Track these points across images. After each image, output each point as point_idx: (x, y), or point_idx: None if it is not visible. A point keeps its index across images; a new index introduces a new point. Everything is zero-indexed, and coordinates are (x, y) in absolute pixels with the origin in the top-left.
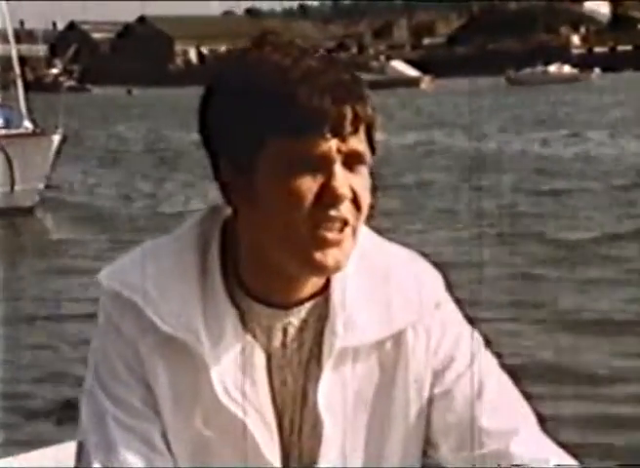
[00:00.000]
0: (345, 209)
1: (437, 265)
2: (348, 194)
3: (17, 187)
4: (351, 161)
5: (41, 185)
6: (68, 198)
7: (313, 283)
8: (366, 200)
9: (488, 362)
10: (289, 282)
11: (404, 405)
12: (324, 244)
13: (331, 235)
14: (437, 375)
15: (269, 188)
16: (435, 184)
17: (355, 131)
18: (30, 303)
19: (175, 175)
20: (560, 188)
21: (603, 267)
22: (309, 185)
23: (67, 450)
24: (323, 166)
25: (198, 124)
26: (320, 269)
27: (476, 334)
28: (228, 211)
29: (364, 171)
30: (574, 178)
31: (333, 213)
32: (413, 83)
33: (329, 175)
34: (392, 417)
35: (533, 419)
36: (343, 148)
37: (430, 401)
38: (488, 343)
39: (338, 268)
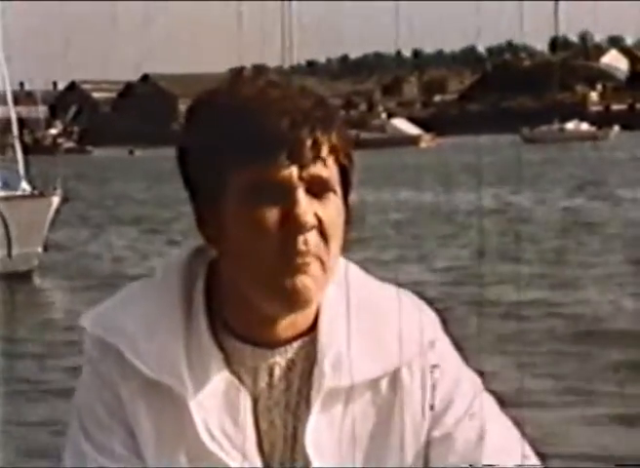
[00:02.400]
0: (313, 241)
1: (431, 304)
2: (313, 221)
3: (14, 251)
4: (316, 188)
5: (39, 249)
6: (66, 262)
7: (298, 321)
8: (335, 228)
9: (488, 404)
10: (270, 320)
11: (400, 448)
12: (293, 274)
13: (298, 264)
14: (436, 418)
15: (236, 220)
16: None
17: (316, 157)
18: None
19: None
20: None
21: None
22: (273, 214)
23: None
24: (285, 193)
25: (178, 162)
26: (290, 302)
27: (474, 376)
28: (214, 251)
29: (333, 198)
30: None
31: (301, 247)
32: (412, 141)
33: (292, 202)
34: (387, 461)
35: (535, 462)
36: (305, 175)
37: (429, 444)
38: (485, 385)
39: (308, 301)
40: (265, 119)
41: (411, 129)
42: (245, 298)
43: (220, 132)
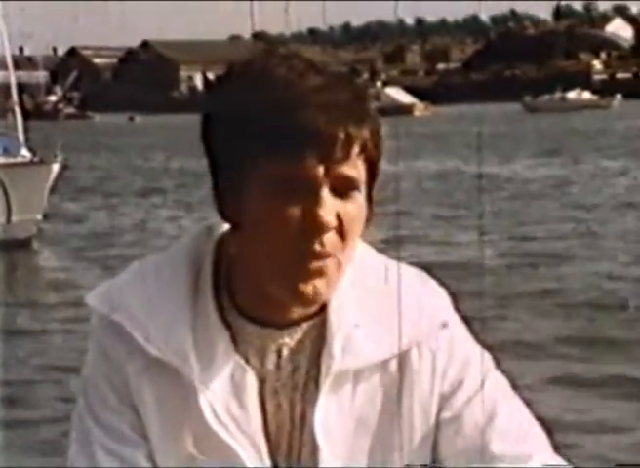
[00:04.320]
0: (330, 241)
1: (444, 284)
2: (333, 222)
3: (13, 218)
4: (341, 187)
5: (39, 216)
6: (66, 228)
7: None
8: (353, 229)
9: (499, 384)
10: (282, 303)
11: (408, 430)
12: (307, 274)
13: (314, 264)
14: (445, 400)
15: (256, 212)
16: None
17: (347, 155)
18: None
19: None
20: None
21: None
22: (293, 211)
23: None
24: (309, 191)
25: (201, 129)
26: (302, 300)
27: (486, 355)
28: (222, 229)
29: (357, 197)
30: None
31: (317, 247)
32: (406, 110)
33: (314, 201)
34: (396, 442)
35: (547, 444)
36: (332, 173)
37: (438, 426)
38: (498, 364)
39: (319, 300)
40: (302, 112)
41: (404, 97)
42: (256, 280)
43: (253, 115)
